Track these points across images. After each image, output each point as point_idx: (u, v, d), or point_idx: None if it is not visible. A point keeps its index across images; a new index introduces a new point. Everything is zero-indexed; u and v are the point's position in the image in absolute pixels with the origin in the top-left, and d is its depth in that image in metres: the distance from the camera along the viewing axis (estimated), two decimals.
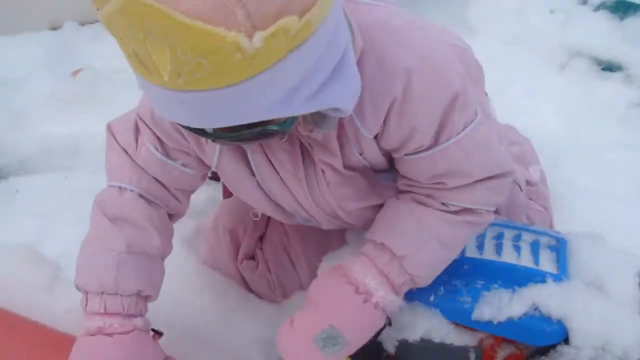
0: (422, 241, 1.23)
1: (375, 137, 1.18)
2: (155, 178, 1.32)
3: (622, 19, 2.85)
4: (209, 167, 1.34)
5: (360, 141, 1.19)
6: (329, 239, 1.51)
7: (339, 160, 1.20)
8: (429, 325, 1.31)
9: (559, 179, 2.09)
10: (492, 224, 1.38)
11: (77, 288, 1.26)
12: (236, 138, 0.99)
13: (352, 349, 1.24)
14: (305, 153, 1.22)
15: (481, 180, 1.22)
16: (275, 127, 0.97)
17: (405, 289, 1.26)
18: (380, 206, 1.31)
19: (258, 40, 0.80)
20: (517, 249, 1.34)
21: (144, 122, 1.29)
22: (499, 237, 1.37)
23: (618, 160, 2.25)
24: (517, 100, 2.54)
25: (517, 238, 1.37)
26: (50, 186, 1.81)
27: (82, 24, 3.09)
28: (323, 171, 1.23)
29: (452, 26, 2.86)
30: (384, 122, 1.14)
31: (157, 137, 1.29)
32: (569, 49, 2.75)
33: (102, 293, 1.24)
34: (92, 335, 1.23)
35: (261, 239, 1.66)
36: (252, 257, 1.64)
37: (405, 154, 1.20)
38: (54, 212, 1.71)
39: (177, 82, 0.83)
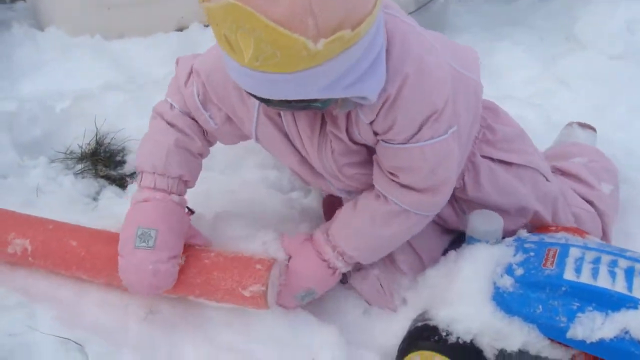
0: (364, 237, 1.63)
1: (371, 123, 1.46)
2: (189, 112, 1.67)
3: None
4: (229, 129, 1.65)
5: (359, 125, 1.48)
6: None
7: (344, 134, 1.50)
8: (526, 339, 1.45)
9: None
10: (590, 248, 1.52)
11: (137, 169, 1.66)
12: (286, 107, 1.34)
13: (318, 295, 1.68)
14: (323, 125, 1.52)
15: (424, 189, 1.53)
16: (318, 105, 1.31)
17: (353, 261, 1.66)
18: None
19: (320, 45, 1.11)
20: (613, 274, 1.45)
21: (198, 74, 1.61)
22: (596, 261, 1.49)
23: None
24: (624, 116, 2.62)
25: (613, 264, 1.48)
26: None
27: (207, 25, 3.29)
28: (331, 141, 1.53)
29: (560, 41, 2.97)
30: (376, 114, 1.43)
31: (204, 86, 1.60)
32: None
33: (154, 173, 1.61)
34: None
35: None
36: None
37: (382, 140, 1.49)
38: None
39: (254, 64, 1.14)
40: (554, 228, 1.73)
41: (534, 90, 2.75)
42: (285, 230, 1.78)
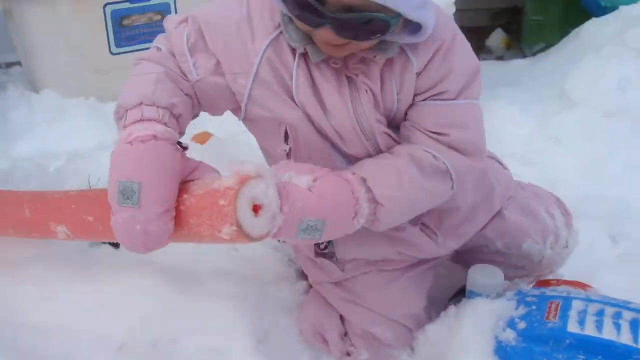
0: (404, 183, 1.42)
1: (418, 74, 1.40)
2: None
3: None
4: (212, 83, 1.44)
5: (404, 75, 1.41)
6: None
7: (378, 86, 1.40)
8: None
9: None
10: (593, 300, 1.49)
11: (117, 111, 1.36)
12: (352, 19, 1.23)
13: (313, 243, 1.54)
14: (351, 80, 1.41)
15: (472, 152, 1.46)
16: (383, 18, 1.23)
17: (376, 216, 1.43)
18: None
19: None
20: (617, 326, 1.42)
21: (194, 20, 1.44)
22: (600, 313, 1.46)
23: None
24: (619, 172, 2.62)
25: (618, 315, 1.45)
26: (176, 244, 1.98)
27: None
28: (365, 91, 1.41)
29: (554, 100, 2.99)
30: (430, 60, 1.39)
31: (198, 32, 1.43)
32: None
33: (141, 103, 1.32)
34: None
35: None
36: None
37: (430, 97, 1.43)
38: (177, 269, 1.88)
39: None
40: (554, 282, 1.71)
41: (529, 148, 2.77)
42: (281, 289, 1.75)
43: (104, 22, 3.10)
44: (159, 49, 1.45)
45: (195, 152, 2.14)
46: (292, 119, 1.44)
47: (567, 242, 1.81)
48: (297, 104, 1.42)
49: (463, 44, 1.45)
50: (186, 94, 1.42)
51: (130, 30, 3.15)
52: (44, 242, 1.89)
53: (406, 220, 1.53)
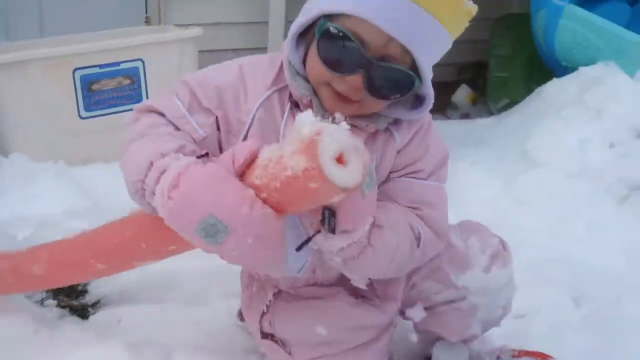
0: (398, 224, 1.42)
1: (399, 151, 1.46)
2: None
3: None
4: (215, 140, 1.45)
5: (386, 150, 1.46)
6: None
7: None
8: None
9: (622, 315, 2.18)
10: None
11: (133, 186, 1.29)
12: (387, 68, 1.28)
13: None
14: None
15: (439, 230, 1.50)
16: (412, 76, 1.30)
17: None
18: None
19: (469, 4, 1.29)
20: None
21: (186, 84, 1.44)
22: None
23: None
24: (579, 234, 2.67)
25: None
26: (146, 317, 1.99)
27: None
28: None
29: (517, 160, 3.05)
30: (410, 139, 1.46)
31: (191, 94, 1.43)
32: (629, 182, 2.86)
33: (151, 163, 1.27)
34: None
35: None
36: None
37: (405, 175, 1.48)
38: (146, 343, 1.88)
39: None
40: (516, 353, 1.74)
41: (493, 209, 2.81)
42: None
43: (74, 87, 3.12)
44: (146, 126, 1.42)
45: None
46: None
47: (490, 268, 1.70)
48: None
49: (435, 128, 1.53)
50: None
51: (100, 94, 3.17)
52: (10, 315, 1.90)
53: (381, 271, 1.48)
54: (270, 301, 1.64)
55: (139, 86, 3.25)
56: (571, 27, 3.51)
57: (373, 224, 1.36)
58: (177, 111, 1.43)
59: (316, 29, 1.32)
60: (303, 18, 1.34)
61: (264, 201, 1.21)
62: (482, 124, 3.58)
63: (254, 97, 1.44)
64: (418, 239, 1.45)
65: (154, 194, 1.25)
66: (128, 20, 4.27)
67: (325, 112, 1.35)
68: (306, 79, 1.39)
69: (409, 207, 1.47)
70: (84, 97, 3.15)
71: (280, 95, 1.44)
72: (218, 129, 1.45)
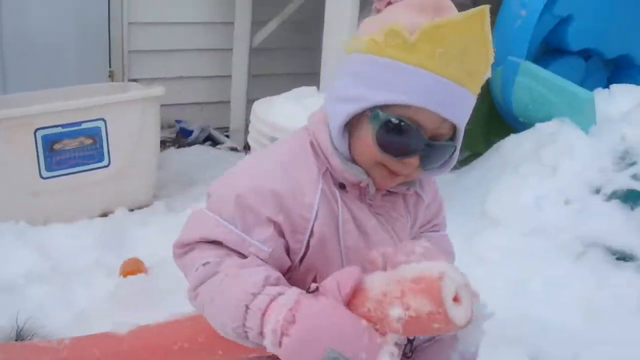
0: None
1: (427, 206, 1.57)
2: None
3: (632, 208, 3.01)
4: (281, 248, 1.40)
5: (417, 210, 1.55)
6: None
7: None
8: None
9: None
10: None
11: (232, 318, 1.26)
12: (441, 147, 1.35)
13: None
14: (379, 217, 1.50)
15: None
16: (455, 147, 1.38)
17: None
18: None
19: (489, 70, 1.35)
20: None
21: (237, 197, 1.37)
22: None
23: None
24: (536, 291, 2.70)
25: None
26: None
27: (131, 209, 3.38)
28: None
29: (476, 216, 3.09)
30: (432, 193, 1.58)
31: (241, 206, 1.37)
32: (584, 238, 2.91)
33: (257, 293, 1.26)
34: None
35: None
36: None
37: (428, 230, 1.61)
38: None
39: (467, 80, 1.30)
40: None
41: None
42: None
43: (35, 147, 3.12)
44: (204, 264, 1.36)
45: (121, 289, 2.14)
46: (331, 263, 1.44)
47: None
48: (340, 241, 1.45)
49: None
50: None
51: (61, 154, 3.17)
52: None
53: None
54: None
55: (101, 146, 3.26)
56: (527, 84, 3.59)
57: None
58: (233, 235, 1.37)
59: (370, 119, 1.34)
60: (348, 107, 1.36)
61: (377, 331, 1.23)
62: (443, 180, 3.57)
63: (309, 190, 1.41)
64: None
65: (261, 334, 1.24)
66: (92, 75, 4.32)
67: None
68: (353, 161, 1.41)
69: None
70: (45, 157, 3.15)
71: (326, 180, 1.43)
72: (281, 235, 1.41)
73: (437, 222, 1.63)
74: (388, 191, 1.46)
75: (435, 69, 1.28)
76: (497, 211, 3.05)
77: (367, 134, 1.36)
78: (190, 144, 4.51)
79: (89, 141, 3.21)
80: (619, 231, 2.94)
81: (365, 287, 1.25)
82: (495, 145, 3.61)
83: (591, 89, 3.91)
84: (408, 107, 1.30)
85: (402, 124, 1.31)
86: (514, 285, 2.73)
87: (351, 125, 1.39)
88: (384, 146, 1.35)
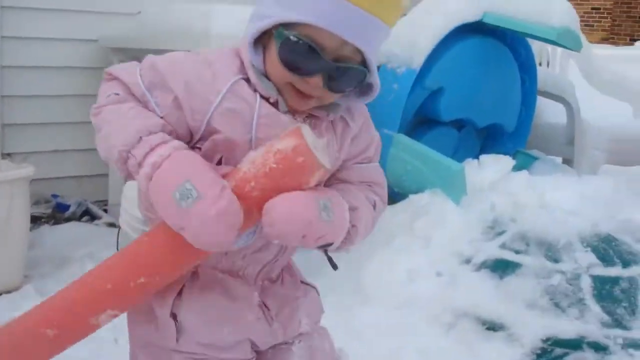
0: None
1: (352, 139, 1.60)
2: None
3: (501, 277, 3.10)
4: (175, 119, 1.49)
5: (344, 137, 1.59)
6: None
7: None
8: None
9: None
10: None
11: (119, 156, 1.41)
12: (342, 68, 1.43)
13: None
14: None
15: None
16: (363, 69, 1.45)
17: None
18: None
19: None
20: None
21: (148, 60, 1.53)
22: None
23: None
24: None
25: None
26: None
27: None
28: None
29: (351, 291, 3.11)
30: (361, 127, 1.61)
31: (150, 69, 1.51)
32: (455, 310, 2.97)
33: (140, 138, 1.41)
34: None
35: None
36: None
37: (357, 162, 1.64)
38: None
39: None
40: None
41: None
42: None
43: None
44: (116, 94, 1.50)
45: None
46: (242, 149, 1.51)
47: None
48: (252, 139, 1.50)
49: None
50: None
51: None
52: None
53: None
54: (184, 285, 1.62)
55: None
56: (400, 155, 3.69)
57: (349, 209, 1.52)
58: (139, 88, 1.50)
59: (275, 37, 1.44)
60: (259, 24, 1.46)
61: (250, 192, 1.38)
62: (319, 253, 3.64)
63: (223, 77, 1.50)
64: (373, 205, 1.64)
65: (139, 165, 1.39)
66: None
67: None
68: (268, 78, 1.50)
69: (362, 185, 1.65)
70: None
71: (249, 84, 1.50)
72: (178, 108, 1.49)
73: (368, 155, 1.67)
74: (312, 115, 1.53)
75: None
76: (372, 285, 3.09)
77: (274, 52, 1.45)
78: (67, 220, 4.40)
79: None
80: (488, 301, 3.01)
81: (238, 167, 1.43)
82: None
83: (465, 156, 4.07)
84: (309, 26, 1.40)
85: (300, 42, 1.41)
86: (388, 358, 2.76)
87: (266, 43, 1.49)
88: (285, 63, 1.44)
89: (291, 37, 1.41)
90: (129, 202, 2.99)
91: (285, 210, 1.39)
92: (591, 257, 3.17)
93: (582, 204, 3.44)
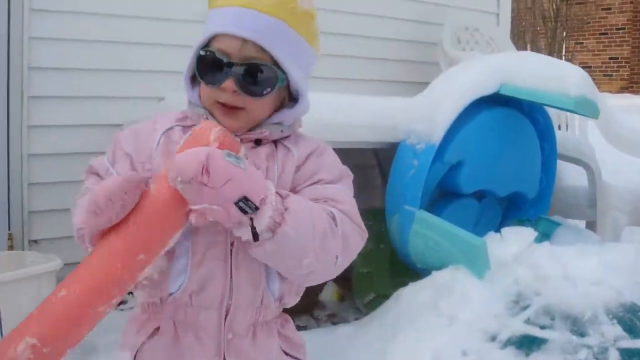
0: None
1: (297, 167, 1.64)
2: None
3: (527, 354, 3.07)
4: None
5: (285, 162, 1.64)
6: None
7: (264, 166, 1.62)
8: None
9: None
10: None
11: (78, 234, 1.59)
12: (249, 66, 1.55)
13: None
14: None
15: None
16: (273, 68, 1.57)
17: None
18: None
19: (305, 4, 1.60)
20: None
21: (115, 136, 1.71)
22: None
23: None
24: None
25: None
26: None
27: None
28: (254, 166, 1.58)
29: None
30: (307, 155, 1.66)
31: (116, 144, 1.70)
32: None
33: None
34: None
35: None
36: None
37: (308, 186, 1.63)
38: None
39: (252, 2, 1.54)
40: None
41: None
42: None
43: None
44: (87, 188, 1.65)
45: None
46: None
47: None
48: None
49: (333, 154, 1.74)
50: None
51: None
52: None
53: (296, 258, 1.52)
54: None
55: None
56: (422, 232, 3.71)
57: (282, 196, 1.51)
58: (103, 165, 1.68)
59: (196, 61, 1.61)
60: (189, 61, 1.64)
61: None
62: (343, 333, 3.64)
63: (160, 129, 1.68)
64: (332, 216, 1.56)
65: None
66: None
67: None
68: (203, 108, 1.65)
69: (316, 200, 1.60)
70: None
71: (184, 129, 1.66)
72: (133, 167, 1.66)
73: (322, 177, 1.66)
74: (255, 143, 1.64)
75: (224, 3, 1.57)
76: None
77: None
78: None
79: None
80: None
81: None
82: (394, 295, 3.67)
83: (487, 226, 4.09)
84: (215, 39, 1.58)
85: (208, 52, 1.58)
86: None
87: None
88: (202, 77, 1.60)
89: (201, 52, 1.59)
90: None
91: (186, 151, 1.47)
92: (617, 330, 3.15)
93: (606, 273, 3.42)
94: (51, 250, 4.29)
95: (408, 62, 6.23)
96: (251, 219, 1.46)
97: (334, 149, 1.76)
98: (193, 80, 1.68)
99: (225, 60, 1.55)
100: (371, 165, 4.66)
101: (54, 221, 4.51)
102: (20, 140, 4.39)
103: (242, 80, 1.55)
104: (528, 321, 3.21)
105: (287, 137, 1.70)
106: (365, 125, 3.92)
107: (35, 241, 4.43)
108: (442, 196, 4.23)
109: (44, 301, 1.50)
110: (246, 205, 1.43)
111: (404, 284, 3.71)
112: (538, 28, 17.49)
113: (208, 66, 1.59)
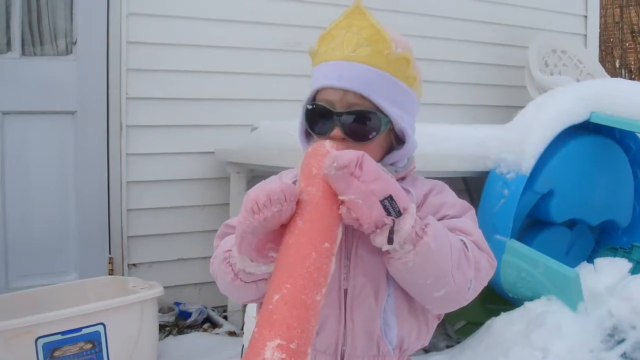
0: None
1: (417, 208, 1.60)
2: None
3: None
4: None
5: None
6: None
7: None
8: None
9: None
10: None
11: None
12: (353, 113, 1.63)
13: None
14: None
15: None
16: (376, 113, 1.65)
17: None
18: None
19: (399, 50, 1.66)
20: None
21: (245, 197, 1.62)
22: None
23: None
24: None
25: None
26: None
27: None
28: None
29: None
30: (425, 195, 1.71)
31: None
32: None
33: None
34: None
35: None
36: None
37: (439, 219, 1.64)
38: None
39: (350, 55, 1.63)
40: None
41: None
42: None
43: (36, 355, 3.18)
44: (223, 251, 1.70)
45: None
46: None
47: None
48: None
49: (451, 192, 1.78)
50: None
51: None
52: None
53: (435, 275, 1.53)
54: None
55: (100, 349, 3.33)
56: (514, 262, 3.69)
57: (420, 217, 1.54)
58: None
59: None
60: (300, 117, 1.74)
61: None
62: None
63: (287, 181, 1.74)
64: (463, 242, 1.59)
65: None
66: (91, 261, 4.42)
67: None
68: None
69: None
70: None
71: None
72: None
73: (446, 213, 1.69)
74: None
75: (324, 58, 1.67)
76: None
77: None
78: (189, 327, 4.56)
79: (88, 346, 3.28)
80: None
81: None
82: (486, 324, 3.64)
83: (579, 254, 4.04)
84: (319, 92, 1.69)
85: (313, 105, 1.69)
86: None
87: None
88: (311, 128, 1.70)
89: (308, 106, 1.70)
90: (252, 322, 3.11)
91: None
92: None
93: None
94: (149, 273, 4.47)
95: (495, 87, 6.22)
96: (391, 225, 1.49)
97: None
98: (307, 135, 1.78)
99: (332, 110, 1.65)
100: (459, 190, 4.67)
101: (151, 245, 4.67)
102: (120, 167, 4.60)
103: (347, 127, 1.64)
104: (624, 355, 3.17)
105: (403, 178, 1.74)
106: (455, 155, 3.94)
107: (134, 265, 4.60)
108: (533, 224, 4.21)
109: (262, 314, 1.47)
110: (391, 206, 1.47)
111: (495, 311, 3.69)
112: (627, 44, 17.05)
113: (315, 118, 1.69)
